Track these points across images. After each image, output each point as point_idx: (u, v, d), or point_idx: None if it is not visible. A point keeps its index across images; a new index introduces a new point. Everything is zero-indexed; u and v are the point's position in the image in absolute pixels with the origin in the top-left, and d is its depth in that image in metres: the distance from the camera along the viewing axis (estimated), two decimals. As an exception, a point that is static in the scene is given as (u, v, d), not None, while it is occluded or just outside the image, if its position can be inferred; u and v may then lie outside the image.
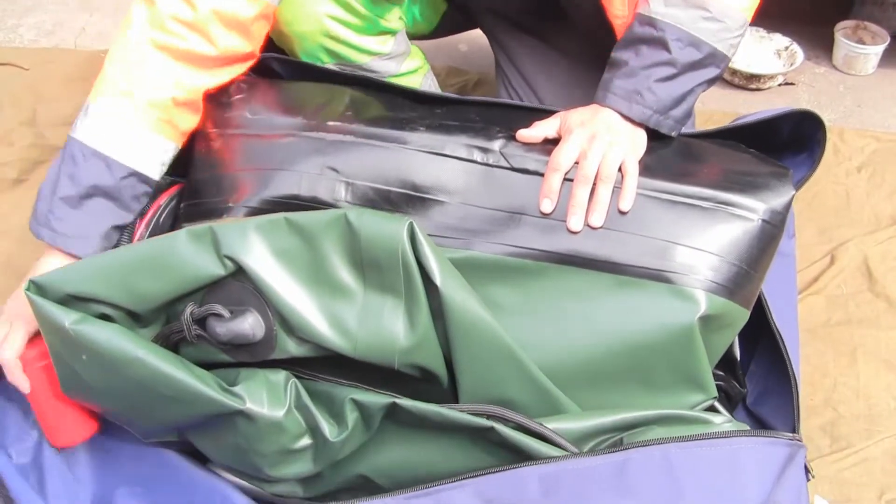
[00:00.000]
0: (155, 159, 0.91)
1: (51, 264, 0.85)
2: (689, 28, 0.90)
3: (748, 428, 0.81)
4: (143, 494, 0.84)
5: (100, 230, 0.88)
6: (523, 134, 0.89)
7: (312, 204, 0.87)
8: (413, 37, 1.31)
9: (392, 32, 1.18)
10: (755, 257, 0.85)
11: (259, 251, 0.77)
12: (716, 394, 0.86)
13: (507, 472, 0.75)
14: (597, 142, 0.86)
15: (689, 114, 0.94)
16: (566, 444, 0.76)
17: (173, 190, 1.01)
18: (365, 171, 0.87)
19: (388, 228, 0.74)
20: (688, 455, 0.73)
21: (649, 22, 0.91)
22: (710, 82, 0.94)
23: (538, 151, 0.89)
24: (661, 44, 0.90)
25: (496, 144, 0.88)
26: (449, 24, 1.37)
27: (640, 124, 0.91)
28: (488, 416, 0.77)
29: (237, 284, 0.78)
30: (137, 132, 0.89)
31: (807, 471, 0.77)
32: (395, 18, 1.17)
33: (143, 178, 0.91)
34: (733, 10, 0.92)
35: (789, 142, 1.04)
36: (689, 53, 0.91)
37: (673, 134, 0.93)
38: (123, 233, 0.93)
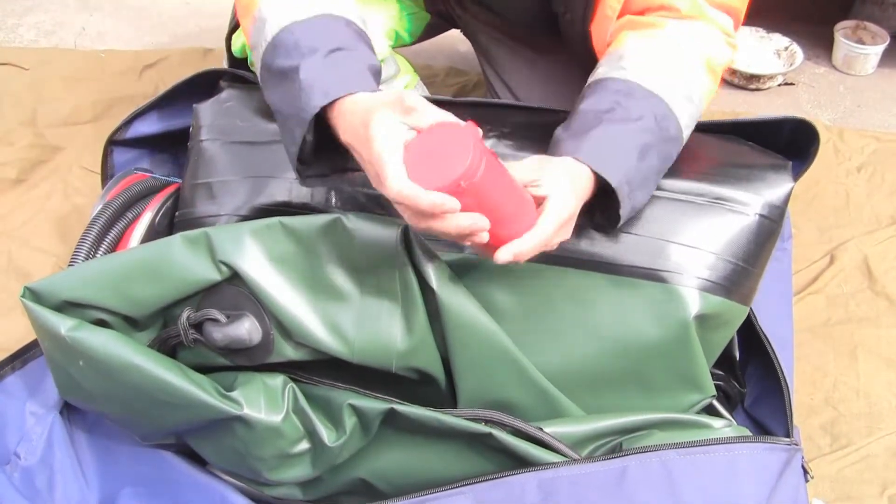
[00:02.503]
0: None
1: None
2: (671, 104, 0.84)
3: (748, 432, 0.81)
4: (146, 495, 0.85)
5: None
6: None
7: (303, 210, 0.87)
8: (394, 47, 1.31)
9: (381, 61, 1.17)
10: (752, 253, 0.85)
11: (254, 256, 0.77)
12: (714, 392, 0.86)
13: (505, 479, 0.75)
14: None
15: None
16: (565, 450, 0.76)
17: (170, 189, 1.01)
18: (355, 176, 0.87)
19: (383, 232, 0.74)
20: (686, 462, 0.73)
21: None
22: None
23: (530, 150, 0.88)
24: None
25: (487, 144, 0.88)
26: (429, 31, 1.37)
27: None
28: (487, 422, 0.77)
29: (233, 289, 0.78)
30: None
31: (805, 472, 0.77)
32: (385, 48, 1.17)
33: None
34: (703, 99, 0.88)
35: (786, 146, 1.04)
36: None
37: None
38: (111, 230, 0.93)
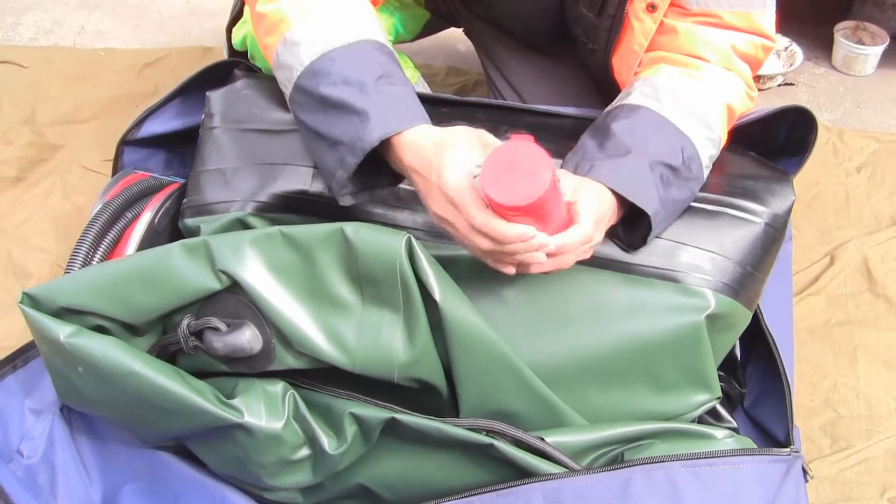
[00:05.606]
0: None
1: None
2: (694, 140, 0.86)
3: (751, 441, 0.82)
4: (148, 492, 0.85)
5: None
6: None
7: (320, 199, 0.87)
8: (394, 43, 1.31)
9: None
10: (758, 259, 0.86)
11: (254, 265, 0.76)
12: (720, 394, 0.86)
13: (511, 490, 0.75)
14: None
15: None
16: (566, 461, 0.76)
17: (170, 189, 1.01)
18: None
19: (386, 243, 0.74)
20: (690, 474, 0.74)
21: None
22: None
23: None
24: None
25: None
26: (429, 28, 1.37)
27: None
28: (488, 432, 0.77)
29: (233, 297, 0.77)
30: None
31: (805, 473, 0.77)
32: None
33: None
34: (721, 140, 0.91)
35: (785, 145, 1.05)
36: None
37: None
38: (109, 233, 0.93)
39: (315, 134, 0.79)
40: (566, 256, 0.75)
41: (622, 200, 0.80)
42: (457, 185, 0.70)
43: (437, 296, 0.74)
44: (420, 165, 0.73)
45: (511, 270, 0.74)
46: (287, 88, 0.82)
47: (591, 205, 0.76)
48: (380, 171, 0.79)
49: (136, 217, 0.97)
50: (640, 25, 0.92)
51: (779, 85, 1.74)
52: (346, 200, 0.80)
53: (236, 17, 1.12)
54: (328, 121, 0.77)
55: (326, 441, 0.77)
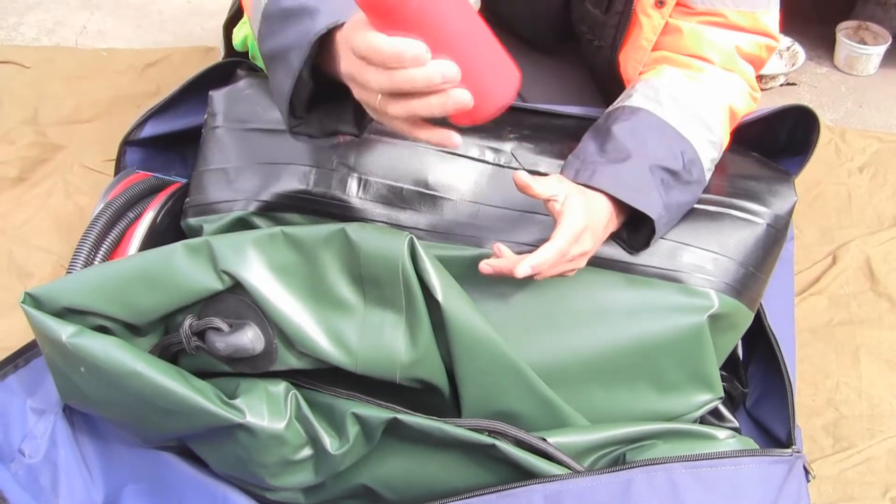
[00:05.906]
0: None
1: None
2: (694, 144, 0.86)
3: (753, 442, 0.82)
4: (150, 492, 0.85)
5: None
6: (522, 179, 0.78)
7: (323, 199, 0.87)
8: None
9: None
10: (760, 259, 0.86)
11: (257, 266, 0.76)
12: (722, 394, 0.87)
13: (512, 491, 0.75)
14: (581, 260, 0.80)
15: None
16: (569, 461, 0.76)
17: (172, 188, 1.01)
18: (378, 168, 0.88)
19: (388, 244, 0.74)
20: (691, 476, 0.74)
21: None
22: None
23: (549, 154, 0.89)
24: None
25: (508, 146, 0.89)
26: None
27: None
28: (490, 433, 0.77)
29: (235, 298, 0.77)
30: None
31: (807, 472, 0.77)
32: None
33: None
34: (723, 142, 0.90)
35: (787, 145, 1.05)
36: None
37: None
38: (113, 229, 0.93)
39: (273, 58, 0.73)
40: (547, 270, 0.75)
41: (624, 204, 0.80)
42: (353, 21, 0.61)
43: (439, 296, 0.74)
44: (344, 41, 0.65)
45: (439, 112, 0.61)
46: (256, 26, 0.77)
47: (574, 219, 0.74)
48: (342, 118, 0.74)
49: (138, 217, 0.97)
50: (648, 21, 0.92)
51: (781, 85, 1.74)
52: (297, 138, 0.74)
53: (234, 15, 1.12)
54: (284, 32, 0.71)
55: (328, 441, 0.77)
